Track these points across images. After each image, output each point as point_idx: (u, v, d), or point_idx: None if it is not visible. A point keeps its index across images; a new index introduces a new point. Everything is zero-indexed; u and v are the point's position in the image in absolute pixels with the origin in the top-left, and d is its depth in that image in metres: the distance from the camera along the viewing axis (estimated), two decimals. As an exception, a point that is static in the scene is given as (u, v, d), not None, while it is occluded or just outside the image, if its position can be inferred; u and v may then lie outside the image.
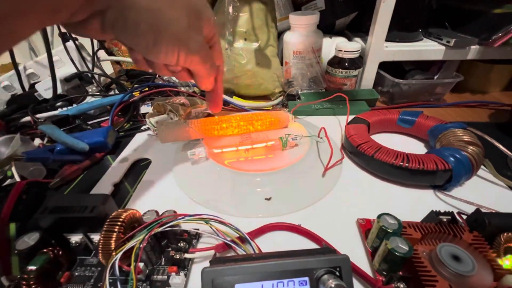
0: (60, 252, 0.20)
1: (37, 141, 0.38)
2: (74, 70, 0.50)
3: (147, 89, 0.51)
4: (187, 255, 0.21)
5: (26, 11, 0.13)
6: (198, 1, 0.21)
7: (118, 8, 0.17)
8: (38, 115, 0.42)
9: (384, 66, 0.48)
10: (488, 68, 0.49)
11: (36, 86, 0.45)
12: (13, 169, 0.29)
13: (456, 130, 0.31)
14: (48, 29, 0.43)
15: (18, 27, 0.14)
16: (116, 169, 0.34)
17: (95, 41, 0.53)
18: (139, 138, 0.41)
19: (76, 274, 0.21)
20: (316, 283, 0.16)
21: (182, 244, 0.22)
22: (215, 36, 0.24)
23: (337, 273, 0.16)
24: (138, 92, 0.50)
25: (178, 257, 0.21)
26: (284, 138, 0.33)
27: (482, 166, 0.31)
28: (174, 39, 0.19)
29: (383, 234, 0.21)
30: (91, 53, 0.53)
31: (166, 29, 0.19)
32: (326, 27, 0.53)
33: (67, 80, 0.48)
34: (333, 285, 0.15)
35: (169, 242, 0.23)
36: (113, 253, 0.19)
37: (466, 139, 0.29)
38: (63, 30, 0.49)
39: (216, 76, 0.26)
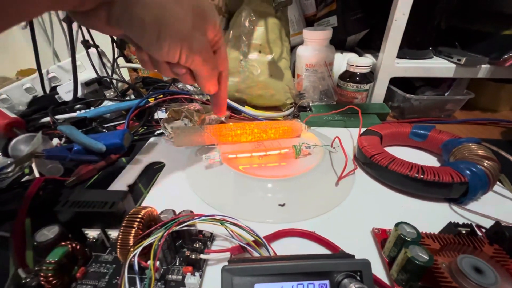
0: (78, 247, 0.21)
1: (55, 141, 0.39)
2: (93, 75, 0.52)
3: (161, 96, 0.53)
4: (202, 256, 0.21)
5: None
6: (205, 4, 0.22)
7: (124, 1, 0.17)
8: (57, 116, 0.44)
9: (395, 82, 0.49)
10: (499, 87, 0.50)
11: (58, 88, 0.47)
12: (33, 165, 0.30)
13: (471, 144, 0.31)
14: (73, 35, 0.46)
15: (28, 8, 0.15)
16: (130, 170, 0.35)
17: (115, 49, 0.56)
18: (153, 142, 0.41)
19: (91, 270, 0.21)
20: (337, 286, 0.16)
21: (197, 244, 0.22)
22: (220, 40, 0.25)
23: (358, 277, 0.16)
24: (153, 98, 0.52)
25: (193, 257, 0.20)
26: (298, 146, 0.33)
27: (497, 182, 0.31)
28: (178, 37, 0.20)
29: (401, 242, 0.20)
30: (111, 59, 0.55)
31: (171, 26, 0.19)
32: (338, 43, 0.55)
33: (87, 84, 0.50)
34: (355, 287, 0.15)
35: (184, 243, 0.23)
36: (131, 249, 0.19)
37: (481, 154, 0.29)
38: (86, 37, 0.51)
39: (219, 80, 0.27)
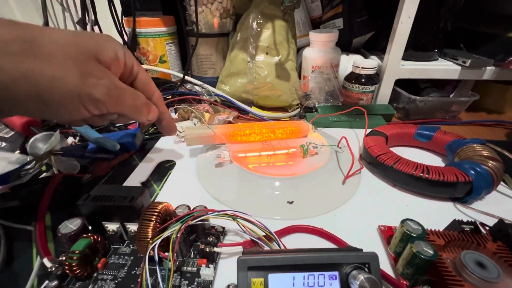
0: (99, 239, 0.22)
1: (70, 139, 0.40)
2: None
3: (170, 96, 0.54)
4: (216, 249, 0.22)
5: None
6: (90, 43, 0.19)
7: None
8: (71, 116, 0.45)
9: (400, 83, 0.50)
10: (504, 89, 0.50)
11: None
12: (53, 162, 0.31)
13: (475, 145, 0.32)
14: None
15: None
16: (143, 168, 0.36)
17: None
18: (163, 141, 0.43)
19: (111, 261, 0.22)
20: (346, 278, 0.17)
21: (211, 238, 0.23)
22: (134, 67, 0.23)
23: (366, 269, 0.17)
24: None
25: (208, 250, 0.22)
26: (305, 146, 0.34)
27: (501, 182, 0.31)
28: (69, 96, 0.17)
29: (407, 238, 0.21)
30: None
31: (52, 91, 0.17)
32: (343, 45, 0.56)
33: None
34: (364, 278, 0.15)
35: (197, 237, 0.24)
36: (150, 241, 0.20)
37: (485, 154, 0.30)
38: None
39: (156, 104, 0.25)
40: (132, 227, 0.23)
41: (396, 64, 0.47)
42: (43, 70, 0.16)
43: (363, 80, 0.48)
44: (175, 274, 0.21)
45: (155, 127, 0.48)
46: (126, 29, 0.61)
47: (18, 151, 0.38)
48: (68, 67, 0.17)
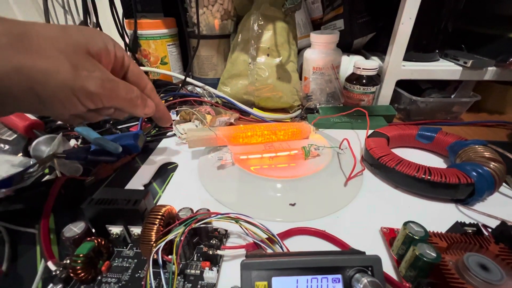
0: (103, 242, 0.22)
1: (72, 142, 0.40)
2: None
3: (171, 98, 0.54)
4: (219, 252, 0.22)
5: None
6: (79, 36, 0.19)
7: None
8: (73, 118, 0.45)
9: (401, 84, 0.50)
10: (505, 90, 0.50)
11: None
12: (55, 165, 0.31)
13: (477, 146, 0.32)
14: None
15: None
16: (145, 170, 0.36)
17: (127, 52, 0.57)
18: (165, 143, 0.43)
19: (115, 264, 0.22)
20: (349, 281, 0.17)
21: (214, 241, 0.23)
22: (124, 59, 0.23)
23: (369, 272, 0.17)
24: (164, 101, 0.53)
25: (211, 253, 0.22)
26: (307, 147, 0.34)
27: (503, 183, 0.31)
28: (63, 89, 0.17)
29: (410, 241, 0.21)
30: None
31: (45, 84, 0.17)
32: (344, 46, 0.56)
33: (101, 87, 0.51)
34: (367, 281, 0.16)
35: (200, 239, 0.24)
36: (154, 244, 0.20)
37: (487, 155, 0.30)
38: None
39: (149, 96, 0.25)
40: (136, 230, 0.23)
41: (397, 65, 0.47)
42: (34, 63, 0.16)
43: (364, 81, 0.48)
44: (179, 277, 0.21)
45: (156, 129, 0.48)
46: (127, 31, 0.61)
47: (21, 154, 0.38)
48: (59, 60, 0.17)
